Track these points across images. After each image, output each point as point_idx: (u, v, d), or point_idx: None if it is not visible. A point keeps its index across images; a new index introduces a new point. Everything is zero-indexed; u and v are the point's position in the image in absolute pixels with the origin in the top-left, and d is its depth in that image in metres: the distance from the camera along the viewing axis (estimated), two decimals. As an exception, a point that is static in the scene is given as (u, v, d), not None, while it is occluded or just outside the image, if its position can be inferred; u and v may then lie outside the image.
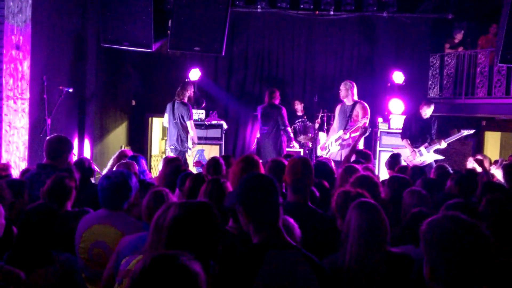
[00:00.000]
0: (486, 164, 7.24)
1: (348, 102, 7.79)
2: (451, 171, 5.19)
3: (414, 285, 2.55)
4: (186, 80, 9.56)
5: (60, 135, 4.47)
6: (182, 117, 7.89)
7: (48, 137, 4.50)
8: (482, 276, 1.62)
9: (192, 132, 7.99)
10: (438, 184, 4.36)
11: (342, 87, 7.87)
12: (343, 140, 7.70)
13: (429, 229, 1.72)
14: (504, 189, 3.85)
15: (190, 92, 8.08)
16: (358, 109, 7.67)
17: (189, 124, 7.91)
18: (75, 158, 6.03)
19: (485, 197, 3.17)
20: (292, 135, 8.86)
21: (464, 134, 7.80)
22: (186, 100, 7.98)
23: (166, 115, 8.26)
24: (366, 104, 7.79)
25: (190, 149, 8.11)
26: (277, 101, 8.62)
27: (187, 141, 8.00)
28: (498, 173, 6.22)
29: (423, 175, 4.94)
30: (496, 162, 7.25)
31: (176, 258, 1.53)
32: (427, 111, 7.79)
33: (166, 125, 8.35)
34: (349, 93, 7.75)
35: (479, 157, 6.83)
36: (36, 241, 2.63)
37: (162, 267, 1.51)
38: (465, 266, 1.62)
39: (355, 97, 7.77)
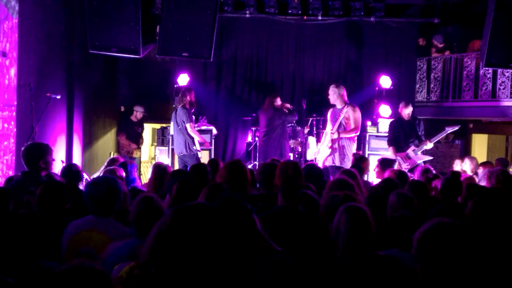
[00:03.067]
0: (473, 165, 7.31)
1: (338, 106, 7.82)
2: (434, 173, 5.25)
3: (402, 286, 2.58)
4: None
5: (35, 142, 4.46)
6: (183, 122, 7.96)
7: (23, 147, 4.48)
8: (472, 277, 1.65)
9: (195, 135, 8.07)
10: (422, 187, 4.39)
11: (330, 92, 7.89)
12: (333, 141, 7.72)
13: (423, 235, 1.74)
14: (488, 191, 3.89)
15: (190, 97, 8.11)
16: (349, 113, 7.69)
17: (188, 127, 7.97)
18: (63, 165, 6.02)
19: (471, 200, 3.20)
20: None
21: (448, 132, 7.85)
22: (188, 105, 8.04)
23: (171, 123, 8.51)
24: (357, 107, 7.83)
25: (199, 151, 8.18)
26: (277, 104, 8.75)
27: (194, 144, 8.06)
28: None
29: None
30: (486, 164, 7.28)
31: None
32: (406, 111, 7.84)
33: (172, 133, 8.55)
34: (337, 97, 7.78)
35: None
36: (20, 251, 2.60)
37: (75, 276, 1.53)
38: (458, 268, 1.64)
39: (346, 98, 7.82)
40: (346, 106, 7.71)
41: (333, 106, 7.97)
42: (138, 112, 10.27)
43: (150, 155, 13.43)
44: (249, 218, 2.34)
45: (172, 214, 2.02)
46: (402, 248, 2.99)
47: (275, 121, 8.62)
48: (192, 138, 8.05)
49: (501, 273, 2.54)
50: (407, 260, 2.71)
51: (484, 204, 3.08)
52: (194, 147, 8.04)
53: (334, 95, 7.80)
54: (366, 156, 9.34)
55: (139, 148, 10.35)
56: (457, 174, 4.40)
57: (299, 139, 9.70)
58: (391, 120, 9.44)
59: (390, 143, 8.05)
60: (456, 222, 1.75)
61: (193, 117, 8.35)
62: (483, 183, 5.27)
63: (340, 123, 7.72)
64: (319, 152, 8.11)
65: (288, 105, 8.97)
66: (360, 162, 6.12)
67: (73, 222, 3.20)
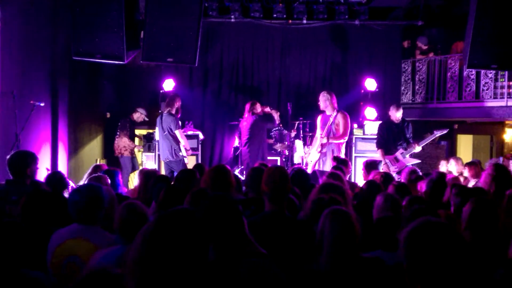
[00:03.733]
0: (458, 166, 7.37)
1: (328, 112, 7.88)
2: (419, 174, 5.28)
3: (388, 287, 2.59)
4: (174, 93, 9.57)
5: (20, 150, 4.43)
6: (170, 128, 7.94)
7: (8, 156, 4.45)
8: (461, 277, 1.66)
9: (183, 141, 8.06)
10: (406, 188, 4.42)
11: (320, 98, 7.94)
12: (322, 146, 7.78)
13: (410, 233, 1.75)
14: (475, 193, 3.92)
15: (178, 104, 8.11)
16: (339, 119, 7.78)
17: (178, 134, 7.98)
18: (48, 172, 5.96)
19: (470, 201, 3.25)
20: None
21: (437, 135, 7.88)
22: (174, 111, 8.02)
23: (156, 129, 8.50)
24: (346, 113, 7.90)
25: (185, 157, 8.13)
26: (257, 111, 8.69)
27: (181, 150, 8.03)
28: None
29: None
30: (471, 164, 7.32)
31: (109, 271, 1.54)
32: (397, 115, 7.87)
33: (158, 138, 8.53)
34: (328, 103, 7.84)
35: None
36: (3, 260, 2.57)
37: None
38: (446, 267, 1.65)
39: (336, 105, 7.89)
40: (336, 113, 7.81)
41: (323, 111, 8.04)
42: (141, 115, 10.21)
43: (137, 161, 13.33)
44: (240, 219, 2.33)
45: (157, 221, 2.00)
46: (386, 249, 3.01)
47: (255, 128, 8.56)
48: (179, 144, 8.03)
49: (489, 275, 2.57)
50: (390, 260, 2.73)
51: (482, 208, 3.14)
52: (180, 153, 8.02)
53: (326, 101, 7.86)
54: (353, 158, 9.42)
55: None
56: (442, 174, 4.44)
57: (286, 142, 9.71)
58: (378, 122, 9.51)
59: (378, 145, 8.06)
60: (443, 221, 1.77)
61: (180, 123, 8.33)
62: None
63: (330, 129, 7.80)
64: (309, 155, 8.17)
65: (267, 109, 8.96)
66: (342, 164, 6.16)
67: (58, 231, 3.16)
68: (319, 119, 8.10)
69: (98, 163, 8.52)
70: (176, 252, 1.89)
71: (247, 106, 8.76)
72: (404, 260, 1.74)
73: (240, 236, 2.28)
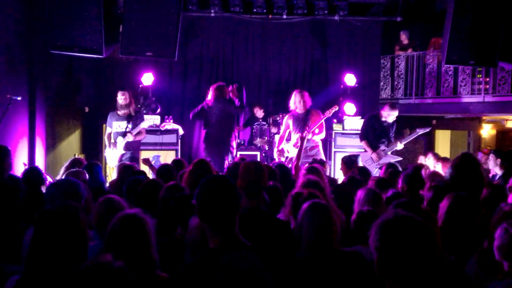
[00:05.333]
0: (434, 160, 7.47)
1: (299, 110, 7.78)
2: (395, 170, 5.33)
3: (366, 281, 2.62)
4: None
5: None
6: None
7: None
8: (429, 268, 1.68)
9: (104, 138, 7.80)
10: (388, 183, 4.45)
11: (297, 98, 7.78)
12: (307, 141, 7.73)
13: (379, 228, 1.76)
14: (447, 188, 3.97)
15: (118, 97, 7.77)
16: (315, 116, 7.69)
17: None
18: (25, 167, 5.87)
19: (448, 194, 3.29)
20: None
21: (419, 133, 7.83)
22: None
23: None
24: (320, 111, 7.87)
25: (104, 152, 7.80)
26: (227, 96, 8.35)
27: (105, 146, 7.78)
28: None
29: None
30: (444, 160, 7.42)
31: (108, 265, 1.53)
32: (393, 114, 7.68)
33: None
34: (299, 104, 7.74)
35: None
36: None
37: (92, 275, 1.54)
38: (415, 259, 1.67)
39: (308, 105, 7.79)
40: (308, 111, 7.74)
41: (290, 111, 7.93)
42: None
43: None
44: (237, 203, 2.31)
45: (35, 220, 2.15)
46: (365, 244, 3.04)
47: (224, 116, 8.22)
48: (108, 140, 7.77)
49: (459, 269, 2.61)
50: (369, 255, 2.75)
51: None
52: (105, 149, 7.74)
53: (299, 102, 7.74)
54: (332, 153, 9.49)
55: None
56: (418, 169, 4.48)
57: (266, 137, 9.72)
58: (357, 117, 9.58)
59: (362, 138, 7.96)
60: (411, 214, 1.79)
61: (115, 120, 7.81)
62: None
63: (305, 127, 7.71)
64: (288, 152, 8.06)
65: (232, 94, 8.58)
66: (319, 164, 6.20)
67: (34, 227, 3.11)
68: (290, 120, 7.90)
69: (76, 156, 8.41)
70: (57, 244, 2.08)
71: (212, 89, 8.31)
72: (374, 253, 1.76)
73: (232, 222, 2.24)
